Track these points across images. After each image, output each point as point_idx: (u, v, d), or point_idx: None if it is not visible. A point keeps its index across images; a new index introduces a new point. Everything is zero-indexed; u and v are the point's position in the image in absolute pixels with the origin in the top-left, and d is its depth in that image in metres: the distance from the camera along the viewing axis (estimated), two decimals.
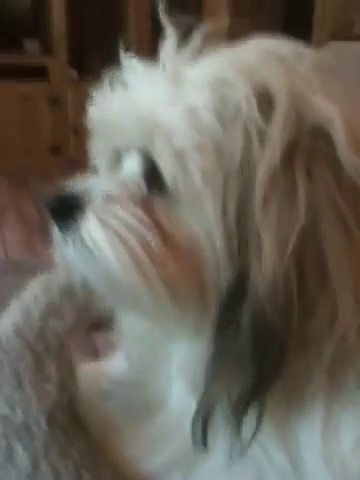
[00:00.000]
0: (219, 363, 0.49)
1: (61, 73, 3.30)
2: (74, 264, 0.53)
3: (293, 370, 0.47)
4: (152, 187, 0.52)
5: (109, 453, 0.61)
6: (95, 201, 0.52)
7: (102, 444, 0.61)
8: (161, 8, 0.54)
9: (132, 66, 0.54)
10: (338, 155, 0.47)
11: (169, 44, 0.52)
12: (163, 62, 0.52)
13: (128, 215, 0.50)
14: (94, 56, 3.12)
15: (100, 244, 0.50)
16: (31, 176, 2.94)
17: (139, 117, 0.50)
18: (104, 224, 0.50)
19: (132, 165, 0.54)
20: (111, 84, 0.54)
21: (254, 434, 0.49)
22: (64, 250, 0.53)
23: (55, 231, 0.54)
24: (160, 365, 0.60)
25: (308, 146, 0.47)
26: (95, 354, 1.09)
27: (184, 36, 0.52)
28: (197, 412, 0.51)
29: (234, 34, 0.54)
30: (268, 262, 0.45)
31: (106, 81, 0.55)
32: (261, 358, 0.47)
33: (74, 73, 3.31)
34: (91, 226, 0.51)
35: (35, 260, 1.83)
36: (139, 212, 0.50)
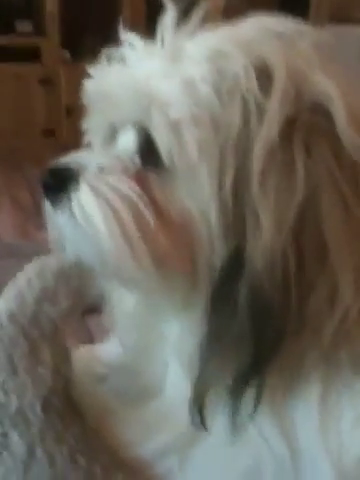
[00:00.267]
0: (215, 342, 0.48)
1: (54, 54, 3.26)
2: (65, 236, 0.53)
3: (290, 350, 0.47)
4: (147, 163, 0.51)
5: (104, 438, 0.61)
6: (89, 172, 0.51)
7: (97, 429, 0.61)
8: None
9: (131, 41, 0.53)
10: (337, 132, 0.46)
11: (168, 20, 0.52)
12: (161, 37, 0.52)
13: (121, 185, 0.50)
14: (87, 37, 3.08)
15: (91, 213, 0.49)
16: (24, 160, 2.91)
17: (135, 90, 0.50)
18: (97, 193, 0.50)
19: (127, 140, 0.53)
20: (109, 59, 0.54)
21: (252, 414, 0.49)
22: (56, 223, 0.53)
23: (47, 205, 0.53)
24: (155, 349, 0.59)
25: (307, 122, 0.46)
26: (89, 338, 1.09)
27: (183, 14, 0.52)
28: (193, 393, 0.50)
29: (231, 14, 0.53)
30: (266, 238, 0.45)
31: (103, 57, 0.54)
32: (258, 337, 0.46)
33: (67, 54, 3.28)
34: (83, 195, 0.50)
35: (29, 244, 1.82)
36: (133, 184, 0.50)
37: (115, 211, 0.49)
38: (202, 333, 0.49)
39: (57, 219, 0.52)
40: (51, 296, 0.64)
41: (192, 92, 0.47)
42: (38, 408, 0.57)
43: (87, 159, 0.53)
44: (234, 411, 0.49)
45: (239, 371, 0.47)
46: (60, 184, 0.51)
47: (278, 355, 0.47)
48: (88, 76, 0.55)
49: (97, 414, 0.62)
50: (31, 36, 3.24)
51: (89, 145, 0.59)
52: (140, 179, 0.51)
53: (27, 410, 0.56)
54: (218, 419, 0.52)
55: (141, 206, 0.49)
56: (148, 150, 0.50)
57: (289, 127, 0.46)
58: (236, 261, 0.46)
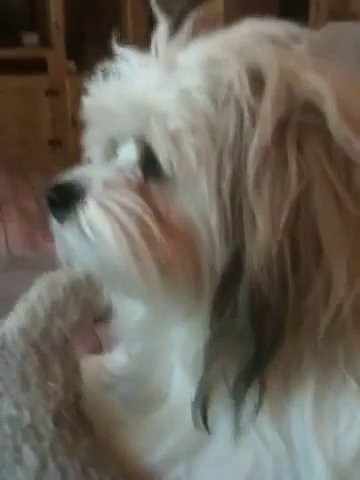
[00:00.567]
0: (217, 344, 0.49)
1: (60, 65, 3.28)
2: (74, 251, 0.53)
3: (289, 347, 0.48)
4: (148, 174, 0.52)
5: (114, 448, 0.61)
6: (94, 187, 0.52)
7: (107, 439, 0.62)
8: None
9: (125, 55, 0.54)
10: (328, 127, 0.47)
11: (161, 31, 0.53)
12: (155, 49, 0.52)
13: (127, 200, 0.51)
14: (92, 47, 3.10)
15: (100, 228, 0.50)
16: (31, 169, 2.93)
17: (133, 103, 0.51)
18: (105, 209, 0.51)
19: (128, 153, 0.54)
20: (105, 74, 0.55)
21: (255, 414, 0.50)
22: (63, 238, 0.53)
23: (53, 221, 0.54)
24: (160, 357, 0.60)
25: (299, 121, 0.47)
26: (98, 347, 1.09)
27: (177, 23, 0.53)
28: (197, 396, 0.51)
29: (230, 17, 0.54)
30: (262, 237, 0.46)
31: (99, 71, 0.55)
32: (259, 335, 0.47)
33: (72, 65, 3.30)
34: (91, 212, 0.51)
35: (36, 255, 1.83)
36: (137, 197, 0.51)
37: (123, 226, 0.50)
38: (206, 335, 0.50)
39: (65, 235, 0.53)
40: (61, 310, 0.65)
41: (188, 101, 0.48)
42: (50, 422, 0.57)
43: (91, 174, 0.54)
44: (237, 412, 0.50)
45: (241, 370, 0.48)
46: (66, 201, 0.52)
47: (278, 352, 0.47)
48: (86, 92, 0.56)
49: (106, 424, 0.63)
50: (37, 48, 3.27)
51: (90, 160, 0.60)
52: (143, 191, 0.52)
53: (39, 424, 0.57)
54: (220, 423, 0.53)
55: (147, 219, 0.50)
56: (148, 162, 0.51)
57: (282, 128, 0.47)
58: (236, 263, 0.47)
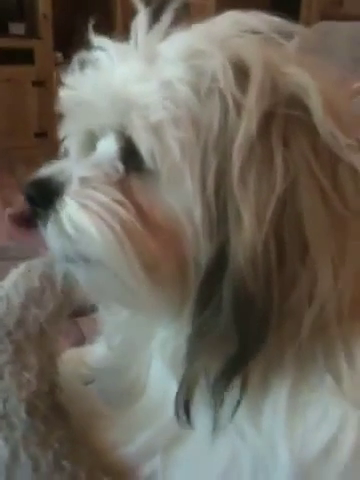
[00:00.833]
0: (199, 341, 0.48)
1: (47, 56, 3.25)
2: (55, 248, 0.52)
3: (271, 345, 0.47)
4: (129, 168, 0.51)
5: (90, 440, 0.60)
6: (72, 185, 0.51)
7: (83, 431, 0.61)
8: None
9: (103, 45, 0.53)
10: (314, 122, 0.46)
11: (141, 21, 0.51)
12: (135, 40, 0.51)
13: (104, 197, 0.49)
14: (80, 39, 3.08)
15: (82, 224, 0.49)
16: (17, 161, 2.90)
17: (113, 95, 0.50)
18: (83, 206, 0.49)
19: (107, 146, 0.53)
20: (82, 65, 0.53)
21: (234, 411, 0.49)
22: (44, 235, 0.52)
23: (34, 217, 0.53)
24: (140, 349, 0.59)
25: (284, 115, 0.46)
26: (82, 341, 1.08)
27: (155, 15, 0.51)
28: (179, 391, 0.50)
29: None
30: (247, 232, 0.45)
31: (76, 62, 0.54)
32: (243, 332, 0.46)
33: (60, 56, 3.27)
34: (70, 208, 0.50)
35: (20, 246, 1.81)
36: (116, 193, 0.50)
37: (103, 220, 0.48)
38: (189, 331, 0.49)
39: (45, 232, 0.52)
40: (37, 299, 0.64)
41: (170, 93, 0.47)
42: (22, 412, 0.56)
43: (69, 170, 0.53)
44: (216, 408, 0.50)
45: (223, 367, 0.48)
46: (44, 197, 0.51)
47: (262, 348, 0.47)
48: (63, 84, 0.55)
49: (83, 416, 0.62)
50: (24, 38, 3.24)
51: (66, 153, 0.58)
52: (123, 186, 0.50)
53: (11, 414, 0.56)
54: (199, 418, 0.52)
55: (126, 214, 0.48)
56: (129, 155, 0.50)
57: (267, 121, 0.46)
58: (221, 259, 0.46)
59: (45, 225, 0.51)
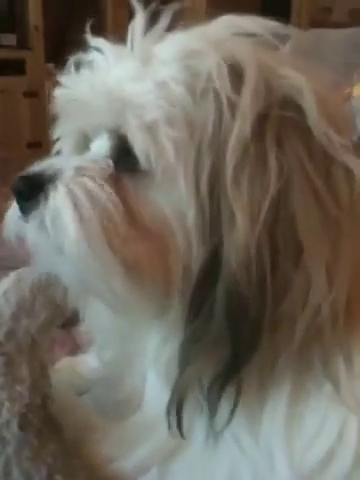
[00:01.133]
0: (192, 347, 0.47)
1: (39, 67, 3.26)
2: (36, 247, 0.52)
3: (266, 349, 0.47)
4: (121, 168, 0.51)
5: (83, 453, 0.59)
6: (66, 174, 0.50)
7: (76, 445, 0.59)
8: None
9: (99, 46, 0.53)
10: (308, 123, 0.46)
11: (137, 24, 0.51)
12: (131, 41, 0.51)
13: (96, 187, 0.49)
14: (72, 49, 3.09)
15: (61, 218, 0.48)
16: (10, 171, 2.89)
17: (108, 94, 0.50)
18: (71, 195, 0.49)
19: (101, 146, 0.53)
20: (77, 65, 0.53)
21: (230, 419, 0.48)
22: (26, 233, 0.51)
23: (15, 213, 0.52)
24: (133, 363, 0.58)
25: (278, 116, 0.46)
26: (76, 349, 1.07)
27: (153, 17, 0.52)
28: (171, 400, 0.49)
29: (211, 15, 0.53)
30: (240, 234, 0.44)
31: (71, 63, 0.54)
32: (236, 337, 0.46)
33: (52, 66, 3.27)
34: (58, 197, 0.49)
35: (13, 256, 1.80)
36: (107, 187, 0.49)
37: (84, 214, 0.48)
38: (180, 338, 0.48)
39: (27, 229, 0.51)
40: (28, 309, 0.63)
41: (165, 93, 0.47)
42: (15, 426, 0.55)
43: (61, 164, 0.52)
44: (211, 417, 0.49)
45: (217, 374, 0.47)
46: (33, 191, 0.50)
47: (255, 354, 0.46)
48: (58, 84, 0.54)
49: (76, 429, 0.61)
50: (16, 49, 3.24)
51: (59, 153, 0.58)
52: (115, 184, 0.50)
53: (3, 428, 0.54)
54: (195, 429, 0.51)
55: (112, 210, 0.48)
56: (123, 155, 0.50)
57: (261, 122, 0.46)
58: (213, 262, 0.46)
59: (28, 220, 0.50)
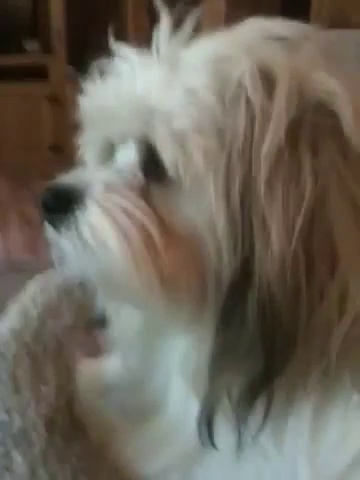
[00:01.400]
0: (224, 355, 0.47)
1: (61, 72, 3.29)
2: (70, 257, 0.51)
3: (297, 362, 0.46)
4: (149, 178, 0.50)
5: (107, 455, 0.59)
6: (95, 190, 0.50)
7: (100, 447, 0.60)
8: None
9: (124, 54, 0.52)
10: (343, 128, 0.45)
11: (163, 29, 0.51)
12: (157, 47, 0.50)
13: (130, 204, 0.48)
14: (94, 53, 3.11)
15: (104, 235, 0.48)
16: (33, 176, 2.92)
17: (135, 103, 0.49)
18: (107, 213, 0.48)
19: (128, 155, 0.52)
20: (102, 73, 0.53)
21: (260, 429, 0.47)
22: (59, 243, 0.51)
23: (48, 227, 0.52)
24: (157, 366, 0.58)
25: (312, 122, 0.45)
26: (97, 351, 1.07)
27: (178, 22, 0.51)
28: (202, 411, 0.49)
29: (232, 20, 0.52)
30: (275, 245, 0.43)
31: (96, 71, 0.53)
32: (269, 347, 0.45)
33: (72, 69, 3.30)
34: (93, 216, 0.49)
35: (36, 260, 1.82)
36: (140, 201, 0.48)
37: (126, 232, 0.47)
38: (211, 347, 0.47)
39: (60, 240, 0.51)
40: (55, 312, 0.63)
41: (195, 101, 0.46)
42: (41, 427, 0.55)
43: (89, 177, 0.52)
44: (240, 428, 0.48)
45: (249, 383, 0.46)
46: (63, 205, 0.50)
47: (288, 365, 0.45)
48: (83, 92, 0.54)
49: (100, 431, 0.61)
50: (38, 55, 3.28)
51: (84, 163, 0.58)
52: (144, 194, 0.49)
53: (30, 429, 0.55)
54: (221, 437, 0.50)
55: (149, 226, 0.47)
56: (150, 164, 0.49)
57: (294, 129, 0.45)
58: (245, 273, 0.45)
59: (61, 233, 0.50)
